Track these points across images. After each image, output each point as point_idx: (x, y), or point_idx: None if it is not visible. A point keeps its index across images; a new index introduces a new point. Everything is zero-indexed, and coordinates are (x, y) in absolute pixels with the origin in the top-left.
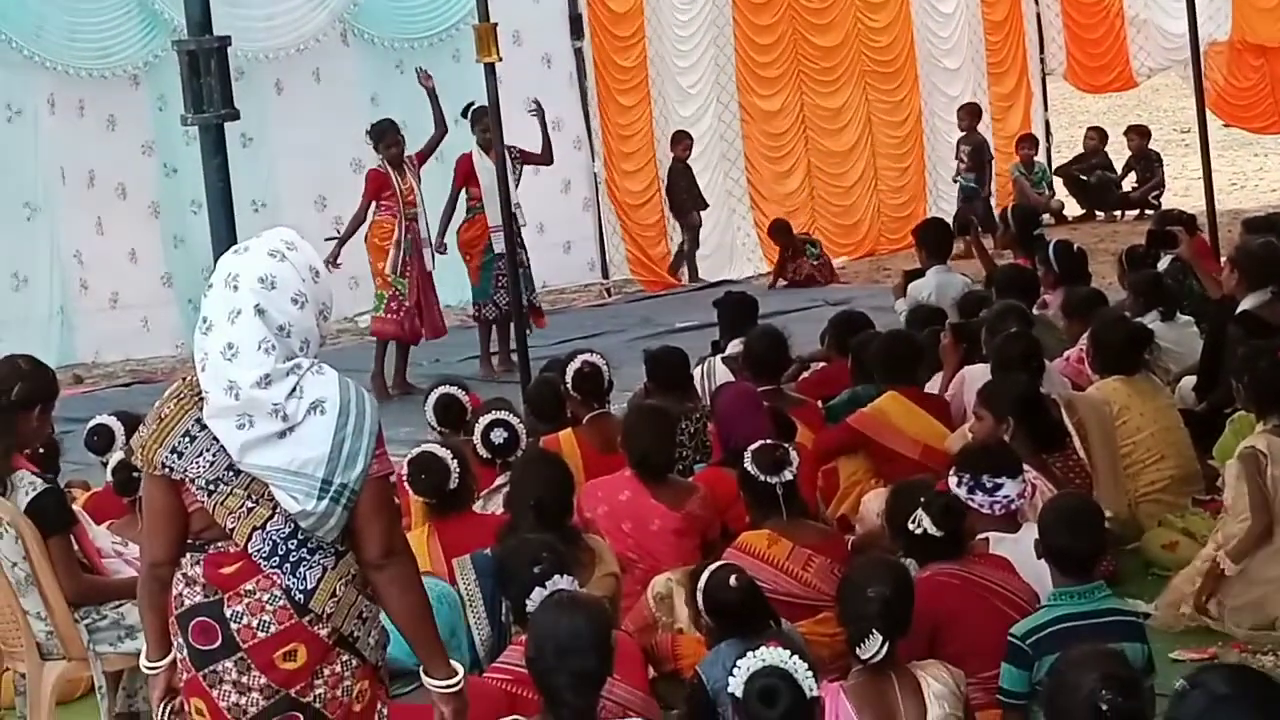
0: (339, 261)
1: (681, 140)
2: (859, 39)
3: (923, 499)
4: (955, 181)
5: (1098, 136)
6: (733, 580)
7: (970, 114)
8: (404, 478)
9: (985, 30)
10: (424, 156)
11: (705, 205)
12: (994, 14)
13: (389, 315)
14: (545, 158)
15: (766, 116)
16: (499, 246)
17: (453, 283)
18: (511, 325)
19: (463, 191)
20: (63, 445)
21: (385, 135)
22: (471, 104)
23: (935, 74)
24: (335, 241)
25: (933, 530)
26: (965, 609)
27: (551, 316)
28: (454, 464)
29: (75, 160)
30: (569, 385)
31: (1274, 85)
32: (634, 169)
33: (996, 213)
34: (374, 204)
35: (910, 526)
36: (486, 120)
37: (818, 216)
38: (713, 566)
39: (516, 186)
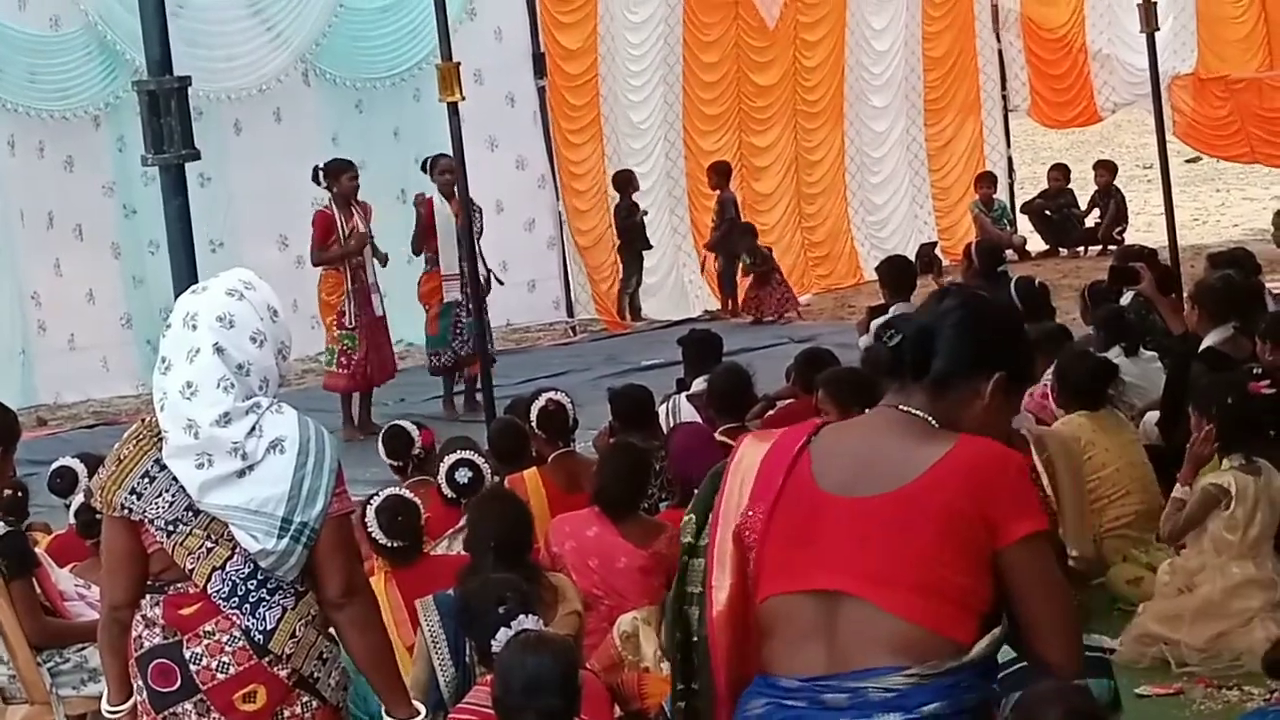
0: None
1: (628, 179)
2: (795, 77)
3: None
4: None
5: (1062, 176)
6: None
7: (717, 172)
8: (366, 524)
9: (924, 67)
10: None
11: (648, 245)
12: (934, 50)
13: (340, 370)
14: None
15: (707, 155)
16: (450, 296)
17: (415, 322)
18: (473, 367)
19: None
20: (27, 488)
21: (346, 169)
22: (429, 156)
23: (864, 111)
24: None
25: None
26: None
27: (516, 355)
28: (421, 505)
29: (34, 201)
30: (534, 424)
31: (1243, 115)
32: (586, 207)
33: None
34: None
35: None
36: (443, 164)
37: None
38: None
39: (480, 233)
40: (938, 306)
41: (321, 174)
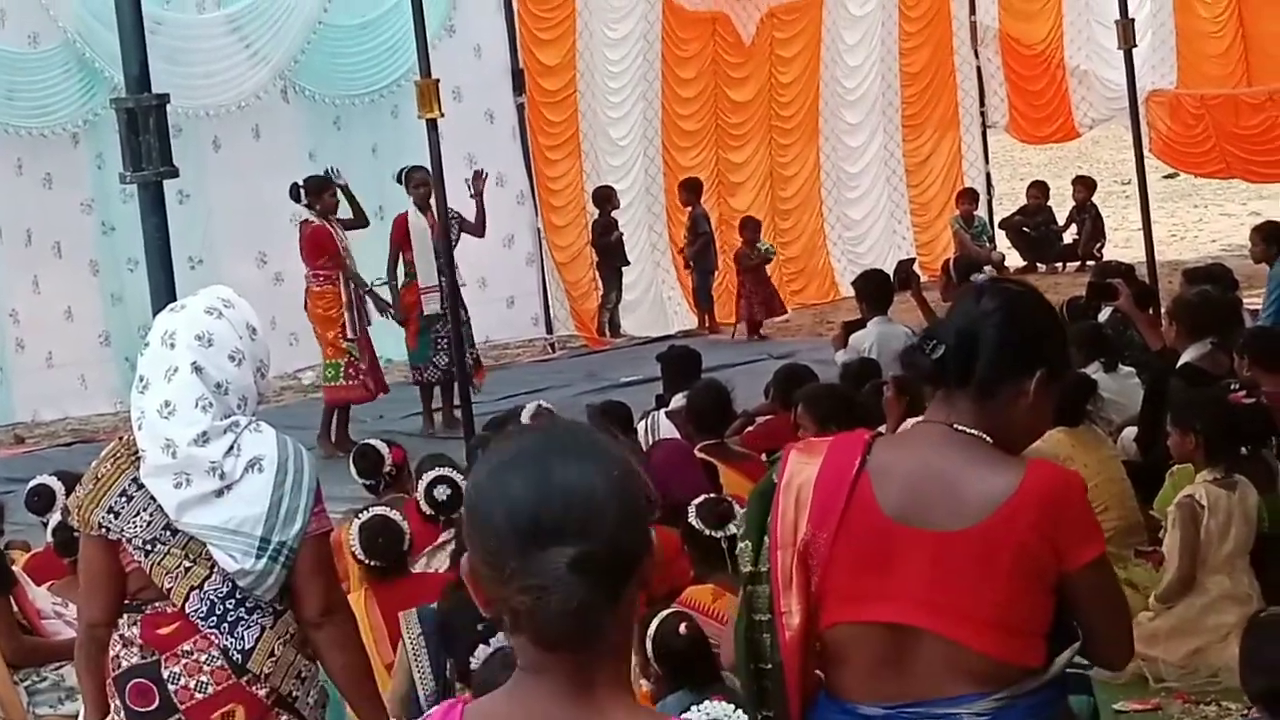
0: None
1: (607, 195)
2: (770, 93)
3: None
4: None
5: (1040, 193)
6: (682, 628)
7: (687, 189)
8: (345, 542)
9: (902, 82)
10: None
11: (626, 262)
12: (911, 66)
13: (349, 382)
14: (478, 229)
15: (685, 172)
16: (429, 309)
17: (394, 338)
18: (455, 383)
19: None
20: (6, 506)
21: (327, 186)
22: (404, 169)
23: (839, 126)
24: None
25: None
26: None
27: (495, 372)
28: (405, 525)
29: (13, 219)
30: None
31: (1218, 131)
32: (564, 223)
33: (939, 266)
34: (310, 269)
35: None
36: (418, 177)
37: (728, 271)
38: (662, 614)
39: (456, 243)
40: (976, 307)
41: (302, 191)
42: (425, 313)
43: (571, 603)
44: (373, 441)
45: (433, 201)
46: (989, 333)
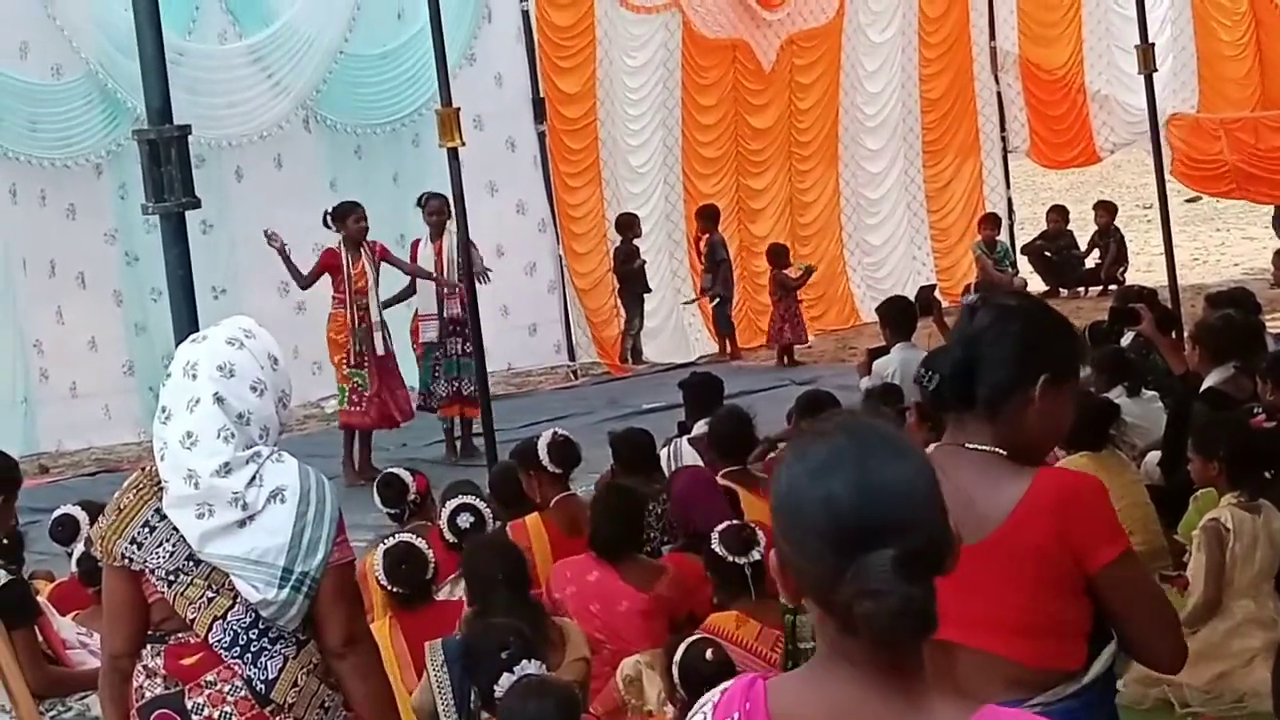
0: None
1: (629, 222)
2: (790, 120)
3: None
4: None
5: (1061, 218)
6: (709, 654)
7: (705, 216)
8: (370, 570)
9: (922, 108)
10: (385, 255)
11: (648, 289)
12: (932, 92)
13: (352, 407)
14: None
15: (705, 199)
16: (426, 336)
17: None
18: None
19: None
20: (28, 536)
21: (353, 211)
22: (423, 196)
23: (859, 153)
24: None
25: None
26: None
27: (518, 399)
28: (430, 553)
29: (37, 250)
30: (545, 458)
31: (1239, 154)
32: (585, 250)
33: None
34: (325, 285)
35: None
36: (434, 205)
37: (747, 298)
38: (688, 640)
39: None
40: (969, 326)
41: (330, 217)
42: (423, 340)
43: (906, 603)
44: (396, 470)
45: (453, 226)
46: (983, 351)
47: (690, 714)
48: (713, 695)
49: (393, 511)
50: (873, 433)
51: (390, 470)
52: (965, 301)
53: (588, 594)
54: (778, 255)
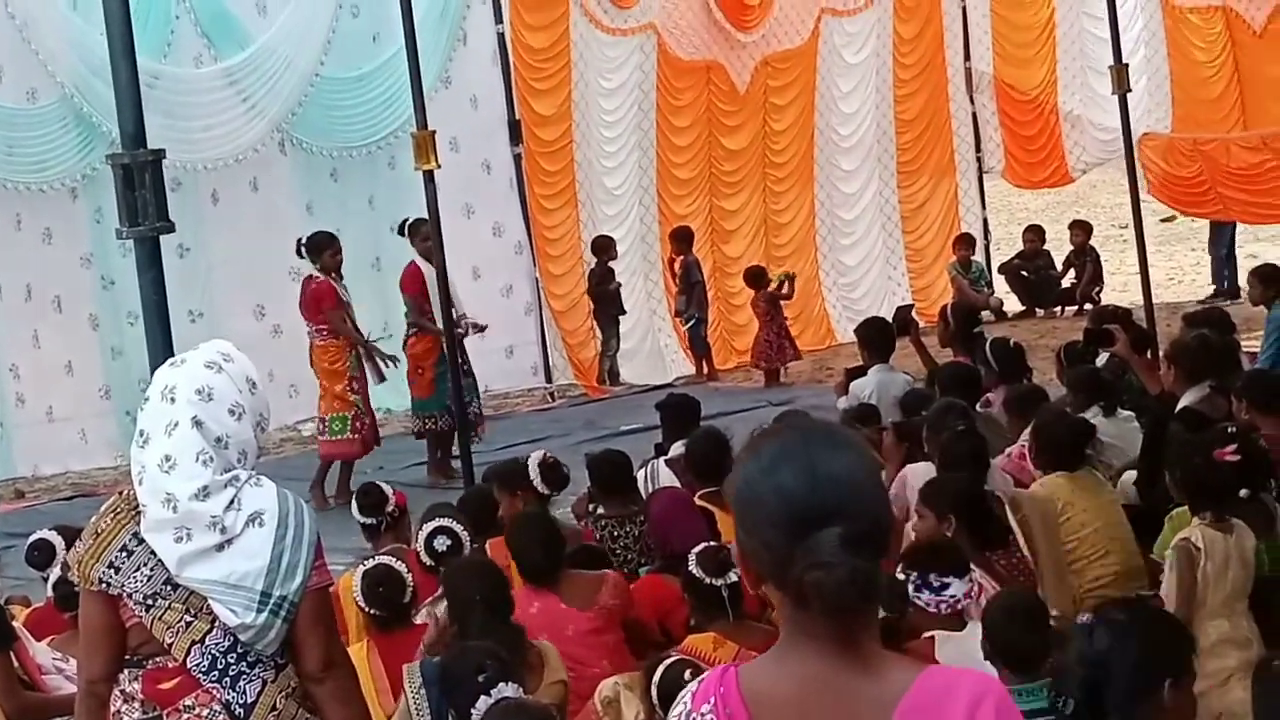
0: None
1: (605, 245)
2: (764, 141)
3: None
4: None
5: (1037, 237)
6: (687, 675)
7: (678, 238)
8: (348, 591)
9: (897, 129)
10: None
11: (623, 311)
12: (906, 113)
13: (354, 435)
14: None
15: (679, 220)
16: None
17: (392, 390)
18: (454, 433)
19: (410, 302)
20: (3, 560)
21: (330, 245)
22: (406, 219)
23: (834, 173)
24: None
25: None
26: None
27: (495, 421)
28: (409, 576)
29: (12, 274)
30: (537, 480)
31: (1212, 173)
32: (561, 272)
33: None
34: (312, 325)
35: None
36: (425, 230)
37: (722, 319)
38: (666, 661)
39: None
40: (1091, 649)
41: (304, 248)
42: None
43: (852, 573)
44: (377, 481)
45: None
46: (1110, 671)
47: (672, 707)
48: (691, 686)
49: (369, 521)
50: (818, 429)
51: (372, 480)
52: (1081, 621)
53: (534, 627)
54: (757, 278)
